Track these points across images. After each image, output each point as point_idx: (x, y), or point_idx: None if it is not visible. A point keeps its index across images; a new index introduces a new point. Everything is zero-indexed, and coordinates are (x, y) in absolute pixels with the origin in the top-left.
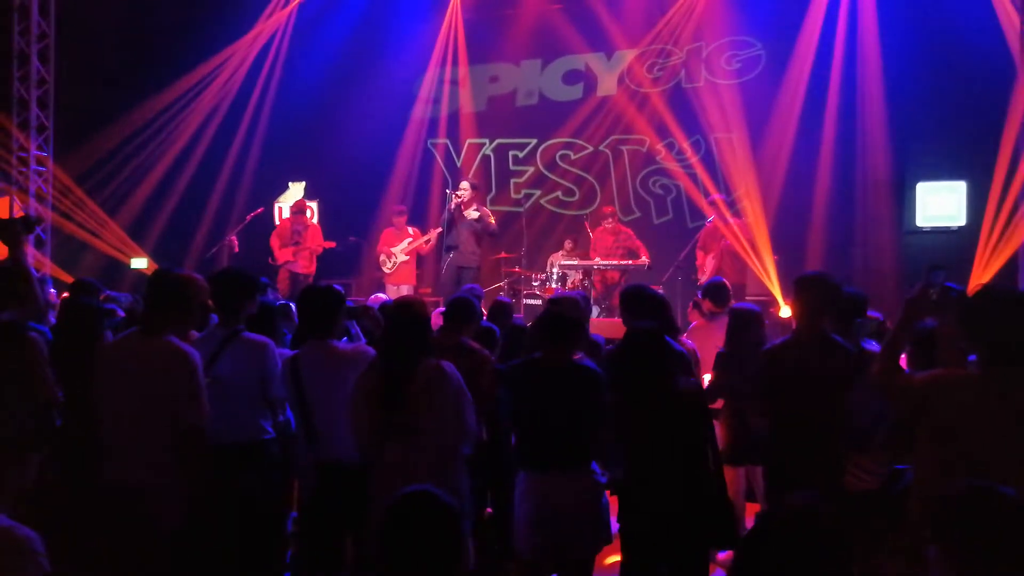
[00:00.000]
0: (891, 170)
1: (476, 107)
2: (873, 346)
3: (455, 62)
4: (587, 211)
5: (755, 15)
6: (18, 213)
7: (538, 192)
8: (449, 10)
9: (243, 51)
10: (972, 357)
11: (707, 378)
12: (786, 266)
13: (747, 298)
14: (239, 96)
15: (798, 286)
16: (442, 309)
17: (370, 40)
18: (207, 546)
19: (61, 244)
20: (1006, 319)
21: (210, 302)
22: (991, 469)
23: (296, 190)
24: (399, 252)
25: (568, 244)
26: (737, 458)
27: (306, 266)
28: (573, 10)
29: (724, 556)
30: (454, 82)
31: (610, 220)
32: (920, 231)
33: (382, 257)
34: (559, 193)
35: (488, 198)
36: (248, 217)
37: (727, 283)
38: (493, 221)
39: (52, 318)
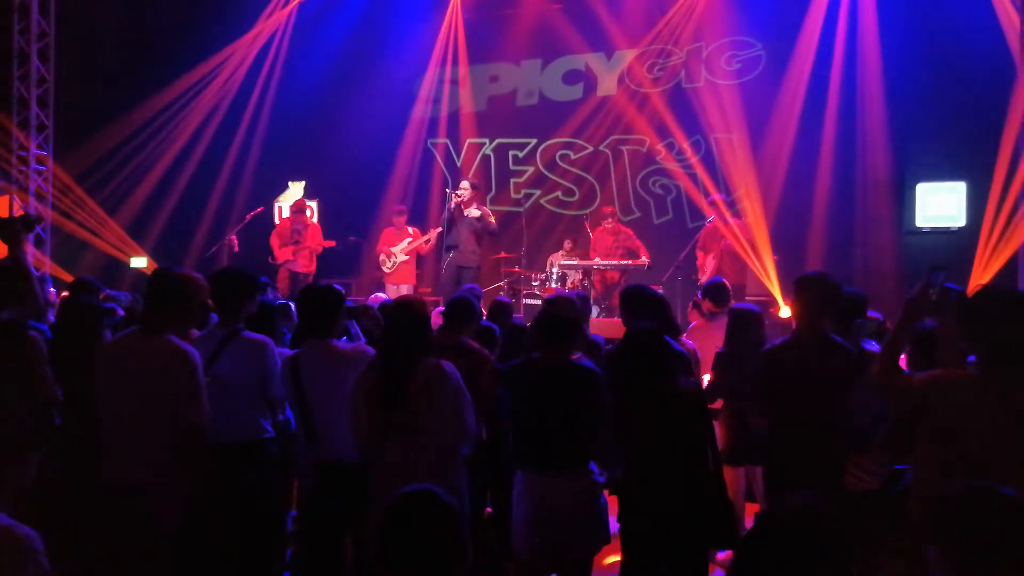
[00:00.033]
0: (891, 170)
1: (476, 107)
2: (873, 346)
3: (455, 62)
4: (587, 211)
5: (755, 15)
6: (18, 212)
7: (538, 192)
8: (449, 10)
9: (243, 50)
10: (971, 358)
11: (707, 378)
12: (786, 266)
13: (747, 298)
14: (239, 95)
15: (798, 286)
16: (442, 309)
17: (370, 40)
18: (207, 545)
19: (61, 243)
20: (1006, 320)
21: (210, 301)
22: (991, 469)
23: (296, 190)
24: (399, 252)
25: (568, 244)
26: (737, 458)
27: (306, 265)
28: (573, 10)
29: (724, 556)
30: (454, 82)
31: (610, 220)
32: (920, 231)
33: (382, 257)
34: (559, 193)
35: (488, 198)
36: (248, 216)
37: (727, 283)
38: (493, 220)
39: (52, 317)
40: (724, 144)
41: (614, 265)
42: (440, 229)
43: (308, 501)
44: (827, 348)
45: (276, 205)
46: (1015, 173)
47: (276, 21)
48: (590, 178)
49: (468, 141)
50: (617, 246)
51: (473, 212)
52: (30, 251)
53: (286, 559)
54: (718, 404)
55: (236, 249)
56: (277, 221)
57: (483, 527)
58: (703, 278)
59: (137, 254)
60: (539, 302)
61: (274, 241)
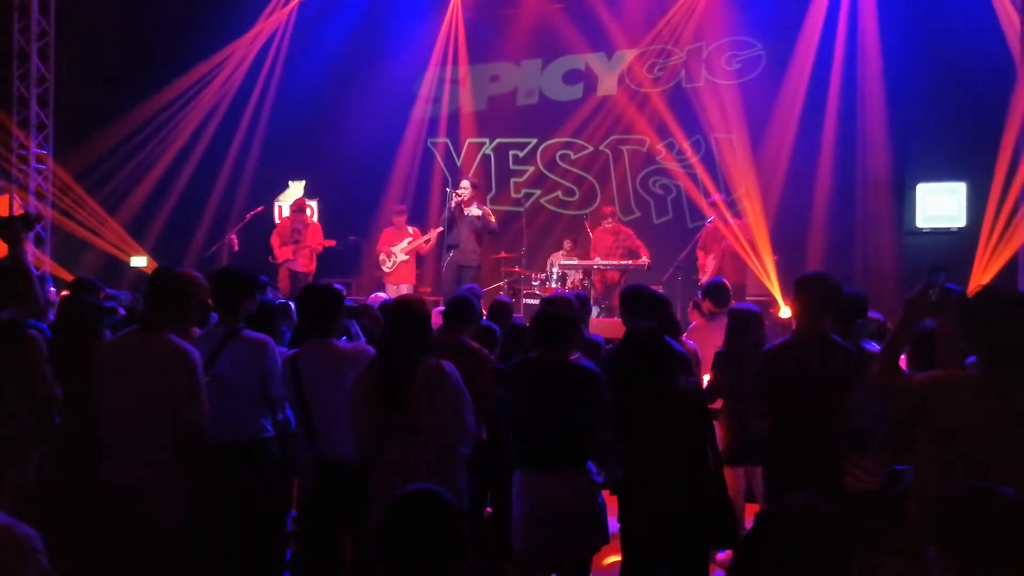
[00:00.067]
0: (891, 171)
1: (476, 106)
2: (873, 347)
3: (455, 61)
4: (587, 211)
5: (755, 15)
6: (18, 211)
7: (538, 192)
8: (449, 9)
9: (243, 50)
10: (971, 358)
11: (707, 378)
12: (786, 266)
13: (747, 298)
14: (239, 95)
15: (798, 286)
16: (442, 308)
17: (370, 39)
18: (207, 545)
19: (61, 242)
20: (1006, 320)
21: (210, 301)
22: (991, 470)
23: (296, 189)
24: (399, 251)
25: (568, 244)
26: (736, 458)
27: (306, 265)
28: (573, 10)
29: (723, 556)
30: (454, 81)
31: (610, 220)
32: (920, 232)
33: (382, 256)
34: (559, 193)
35: (488, 197)
36: (248, 216)
37: (727, 283)
38: (493, 220)
39: (52, 316)
40: (724, 144)
41: (614, 265)
42: (440, 229)
43: (308, 501)
44: (827, 348)
45: (276, 204)
46: (1015, 174)
47: (276, 21)
48: (590, 178)
49: (468, 141)
50: (617, 246)
51: (473, 211)
52: (30, 250)
53: (286, 559)
54: (718, 404)
55: (236, 248)
56: (277, 220)
57: (483, 527)
58: (703, 278)
59: (137, 253)
60: (539, 302)
61: (274, 240)
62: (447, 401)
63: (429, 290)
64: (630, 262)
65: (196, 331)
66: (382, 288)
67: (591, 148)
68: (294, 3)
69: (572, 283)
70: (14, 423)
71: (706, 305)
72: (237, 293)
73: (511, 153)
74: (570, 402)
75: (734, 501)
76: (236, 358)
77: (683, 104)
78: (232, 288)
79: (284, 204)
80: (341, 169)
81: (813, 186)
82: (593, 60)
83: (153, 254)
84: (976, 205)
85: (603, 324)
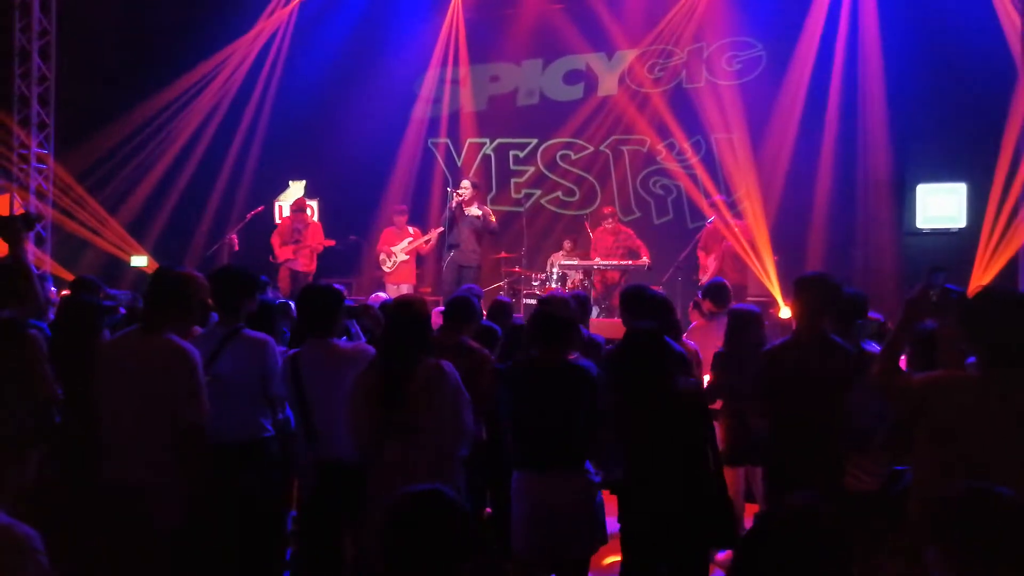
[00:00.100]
0: (891, 171)
1: (477, 107)
2: (873, 347)
3: (456, 61)
4: (587, 211)
5: (756, 16)
6: (18, 210)
7: (538, 192)
8: (450, 9)
9: (244, 50)
10: (971, 359)
11: (707, 379)
12: (786, 267)
13: (747, 299)
14: (240, 95)
15: (798, 287)
16: (442, 308)
17: (371, 39)
18: (207, 545)
19: (61, 242)
20: (1006, 321)
21: (210, 300)
22: (991, 470)
23: (296, 189)
24: (399, 251)
25: (568, 244)
26: (736, 459)
27: (306, 264)
28: (574, 10)
29: (723, 556)
30: (455, 81)
31: (610, 220)
32: (920, 232)
33: (382, 256)
34: (559, 193)
35: (488, 198)
36: (248, 215)
37: (727, 283)
38: (494, 219)
39: (52, 315)
40: (724, 144)
41: (614, 265)
42: (441, 229)
43: (308, 501)
44: (827, 349)
45: (276, 204)
46: (1015, 174)
47: (277, 20)
48: (590, 178)
49: (469, 141)
50: (617, 246)
51: (473, 211)
52: (30, 249)
53: (286, 559)
54: (717, 404)
55: (236, 248)
56: (277, 220)
57: (483, 527)
58: (704, 278)
59: (137, 253)
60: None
61: (275, 240)
62: (446, 401)
63: (429, 290)
64: (630, 262)
65: (198, 330)
66: (382, 288)
67: (591, 148)
68: (294, 3)
69: (572, 283)
70: (14, 423)
71: (706, 305)
72: (237, 293)
73: (511, 153)
74: (568, 402)
75: (734, 501)
76: (236, 357)
77: (684, 104)
78: (232, 288)
79: (284, 204)
80: (341, 169)
81: (813, 186)
82: (594, 60)
83: (153, 254)
84: (976, 206)
85: (603, 324)
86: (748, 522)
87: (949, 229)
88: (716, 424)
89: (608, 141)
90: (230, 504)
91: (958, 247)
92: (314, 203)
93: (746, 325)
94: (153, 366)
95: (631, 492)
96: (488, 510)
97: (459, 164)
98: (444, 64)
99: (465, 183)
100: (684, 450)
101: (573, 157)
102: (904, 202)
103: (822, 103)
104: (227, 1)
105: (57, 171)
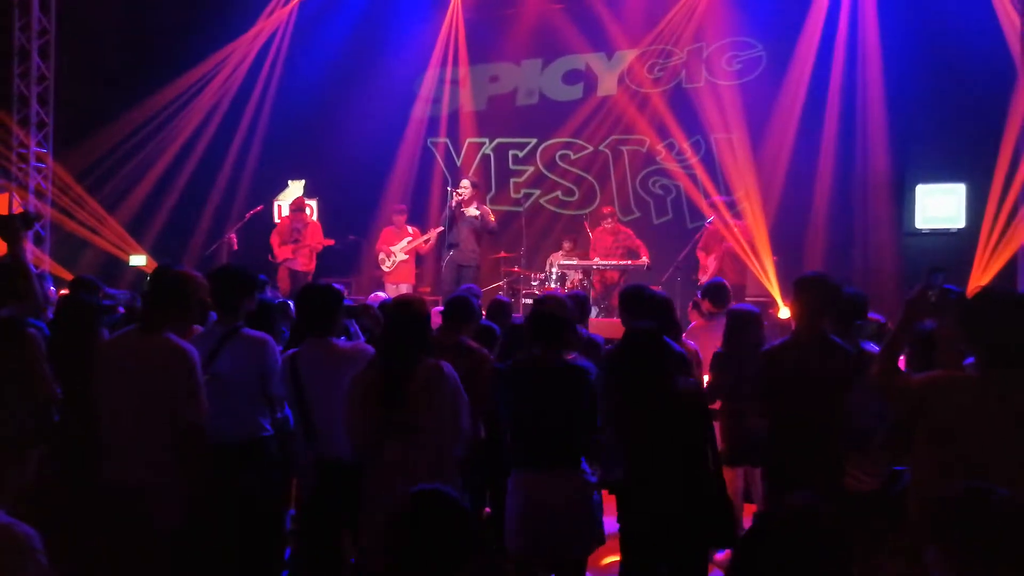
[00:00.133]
0: (891, 172)
1: (476, 106)
2: (872, 348)
3: (455, 61)
4: (587, 211)
5: (756, 16)
6: (17, 209)
7: (538, 192)
8: (450, 9)
9: (243, 49)
10: (969, 359)
11: (707, 379)
12: (786, 267)
13: (747, 299)
14: (239, 94)
15: (798, 287)
16: (441, 308)
17: (371, 39)
18: (207, 545)
19: (60, 241)
20: (1005, 321)
21: (209, 299)
22: (989, 471)
23: (296, 188)
24: (398, 251)
25: (567, 244)
26: (734, 459)
27: (305, 264)
28: (574, 10)
29: (722, 556)
30: (454, 81)
31: (609, 220)
32: (920, 233)
33: (381, 256)
34: (559, 193)
35: (488, 197)
36: (247, 215)
37: (727, 284)
38: (493, 219)
39: (50, 314)
40: (724, 144)
41: (614, 265)
42: (441, 228)
43: (308, 500)
44: (826, 349)
45: (276, 203)
46: (1015, 175)
47: (276, 20)
48: (590, 178)
49: (468, 141)
50: (617, 246)
51: (471, 211)
52: (29, 249)
53: (285, 558)
54: (716, 405)
55: (235, 247)
56: (277, 220)
57: (482, 527)
58: (704, 278)
59: (136, 252)
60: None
61: (274, 239)
62: (445, 402)
63: (428, 289)
64: (629, 262)
65: (197, 328)
66: (381, 287)
67: (591, 148)
68: (294, 3)
69: (571, 283)
70: (14, 423)
71: (705, 305)
72: (236, 292)
73: (511, 153)
74: (566, 402)
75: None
76: (236, 357)
77: (683, 104)
78: (231, 287)
79: (284, 203)
80: (341, 169)
81: (813, 187)
82: (593, 60)
83: (152, 253)
84: (976, 206)
85: (603, 324)
86: (746, 522)
87: (948, 229)
88: (715, 424)
89: (607, 141)
90: (229, 504)
91: (957, 247)
92: (313, 202)
93: (745, 325)
94: (152, 365)
95: (631, 492)
96: (487, 510)
97: (458, 164)
98: (444, 64)
99: (465, 182)
100: (684, 450)
101: (572, 157)
102: (903, 202)
103: (822, 104)
104: (227, 1)
105: (56, 170)
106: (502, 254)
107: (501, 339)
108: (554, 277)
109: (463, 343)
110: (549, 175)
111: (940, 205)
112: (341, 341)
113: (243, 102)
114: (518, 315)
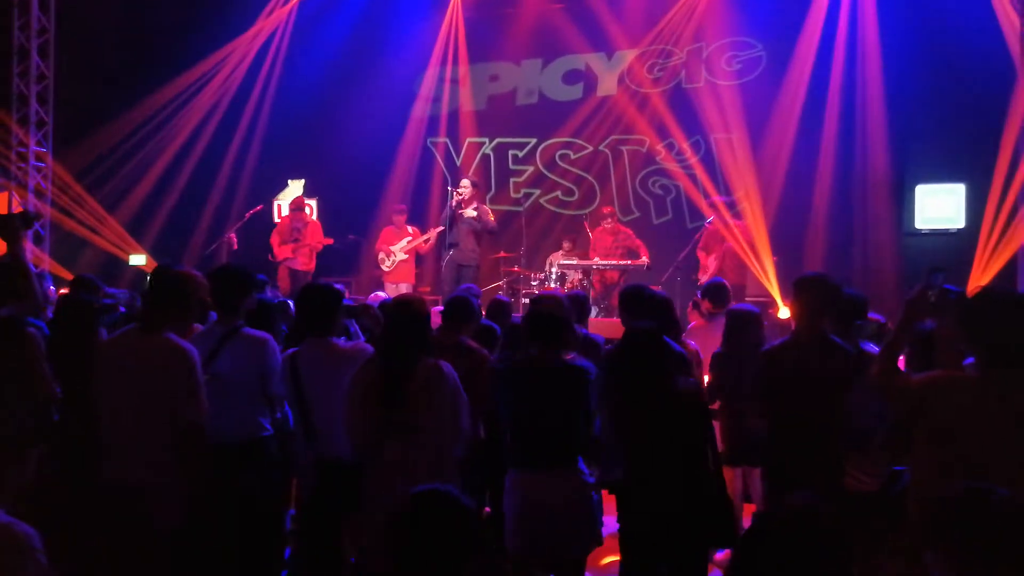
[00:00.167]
0: (891, 172)
1: (476, 106)
2: (872, 348)
3: (455, 61)
4: (586, 211)
5: (756, 16)
6: (17, 209)
7: (537, 192)
8: (450, 9)
9: (243, 48)
10: (969, 359)
11: (707, 379)
12: (786, 267)
13: (747, 299)
14: (239, 93)
15: (798, 287)
16: (441, 308)
17: (370, 38)
18: (207, 545)
19: (60, 240)
20: (1005, 321)
21: (209, 299)
22: (989, 471)
23: (295, 188)
24: (398, 251)
25: (567, 244)
26: (734, 459)
27: (305, 263)
28: (574, 10)
29: (722, 556)
30: (454, 81)
31: (609, 220)
32: (919, 233)
33: (381, 255)
34: (559, 193)
35: (488, 197)
36: (247, 214)
37: (727, 284)
38: (493, 219)
39: (50, 313)
40: (724, 144)
41: (613, 265)
42: (441, 228)
43: (307, 500)
44: (826, 349)
45: (275, 203)
46: (1014, 175)
47: (276, 19)
48: (590, 178)
49: (468, 140)
50: (617, 246)
51: (471, 212)
52: (29, 248)
53: (285, 558)
54: (716, 405)
55: (235, 247)
56: (277, 219)
57: (482, 527)
58: (704, 278)
59: (136, 251)
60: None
61: (274, 239)
62: (445, 401)
63: (428, 289)
64: (629, 262)
65: (198, 327)
66: (381, 287)
67: (591, 148)
68: (294, 2)
69: (571, 283)
70: (14, 423)
71: (705, 305)
72: (236, 291)
73: (511, 153)
74: (565, 401)
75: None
76: (236, 356)
77: (683, 104)
78: (231, 286)
79: (283, 203)
80: (341, 168)
81: (813, 187)
82: (593, 60)
83: (152, 252)
84: (975, 206)
85: (602, 324)
86: (746, 522)
87: (948, 230)
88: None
89: (607, 141)
90: (229, 504)
91: (957, 247)
92: (313, 202)
93: (745, 325)
94: (152, 365)
95: (631, 492)
96: (487, 509)
97: (458, 163)
98: (443, 63)
99: (464, 182)
100: (684, 450)
101: (572, 157)
102: (903, 202)
103: (822, 103)
104: (226, 0)
105: (56, 169)
106: (502, 254)
107: (501, 339)
108: (554, 277)
109: (463, 343)
110: (549, 175)
111: (940, 205)
112: (341, 341)
113: (243, 102)
114: (518, 315)
